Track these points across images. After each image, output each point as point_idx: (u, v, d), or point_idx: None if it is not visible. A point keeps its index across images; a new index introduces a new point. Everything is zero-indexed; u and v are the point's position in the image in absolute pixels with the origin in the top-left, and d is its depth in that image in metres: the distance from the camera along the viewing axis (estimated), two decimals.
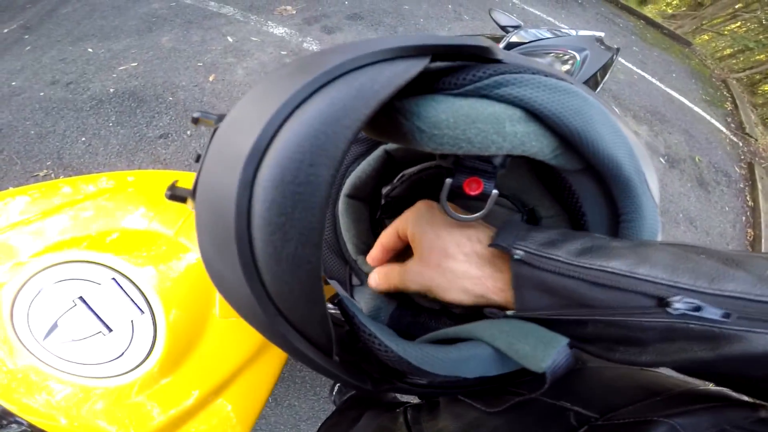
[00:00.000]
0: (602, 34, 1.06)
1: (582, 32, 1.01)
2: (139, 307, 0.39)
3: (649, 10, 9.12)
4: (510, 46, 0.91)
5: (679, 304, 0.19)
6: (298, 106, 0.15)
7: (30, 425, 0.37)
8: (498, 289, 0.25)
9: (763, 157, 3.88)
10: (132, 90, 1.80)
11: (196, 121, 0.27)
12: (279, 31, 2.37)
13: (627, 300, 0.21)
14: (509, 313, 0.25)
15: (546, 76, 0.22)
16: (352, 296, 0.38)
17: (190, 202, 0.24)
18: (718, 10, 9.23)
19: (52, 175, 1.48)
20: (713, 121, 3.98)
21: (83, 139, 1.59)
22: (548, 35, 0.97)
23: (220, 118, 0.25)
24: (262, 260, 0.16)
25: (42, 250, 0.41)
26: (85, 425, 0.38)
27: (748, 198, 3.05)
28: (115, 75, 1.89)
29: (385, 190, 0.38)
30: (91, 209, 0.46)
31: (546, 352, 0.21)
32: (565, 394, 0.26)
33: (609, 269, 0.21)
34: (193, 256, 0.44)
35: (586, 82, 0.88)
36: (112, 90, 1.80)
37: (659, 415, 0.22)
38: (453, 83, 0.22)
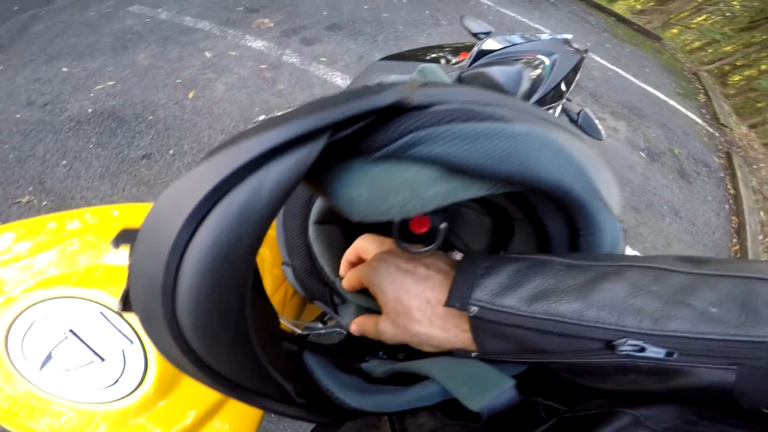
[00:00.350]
0: (570, 36, 1.10)
1: (550, 36, 1.06)
2: (127, 338, 0.41)
3: (618, 7, 9.24)
4: (482, 54, 0.94)
5: (625, 347, 0.20)
6: (184, 251, 0.15)
7: None
8: (464, 339, 0.27)
9: (739, 146, 3.95)
10: (111, 110, 1.78)
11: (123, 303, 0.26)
12: (257, 44, 2.37)
13: (576, 345, 0.22)
14: (473, 355, 0.27)
15: (465, 121, 0.20)
16: (336, 313, 0.40)
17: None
18: (684, 4, 9.49)
19: (35, 201, 1.44)
20: (688, 113, 4.08)
21: (64, 162, 1.56)
22: (519, 40, 1.00)
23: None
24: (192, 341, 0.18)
25: (32, 286, 0.43)
26: None
27: (729, 186, 3.09)
28: (92, 94, 1.86)
29: None
30: (77, 245, 0.48)
31: (482, 395, 0.24)
32: (538, 390, 0.28)
33: (558, 318, 0.22)
34: None
35: (557, 85, 0.92)
36: (90, 110, 1.77)
37: (624, 406, 0.23)
38: (366, 146, 0.19)
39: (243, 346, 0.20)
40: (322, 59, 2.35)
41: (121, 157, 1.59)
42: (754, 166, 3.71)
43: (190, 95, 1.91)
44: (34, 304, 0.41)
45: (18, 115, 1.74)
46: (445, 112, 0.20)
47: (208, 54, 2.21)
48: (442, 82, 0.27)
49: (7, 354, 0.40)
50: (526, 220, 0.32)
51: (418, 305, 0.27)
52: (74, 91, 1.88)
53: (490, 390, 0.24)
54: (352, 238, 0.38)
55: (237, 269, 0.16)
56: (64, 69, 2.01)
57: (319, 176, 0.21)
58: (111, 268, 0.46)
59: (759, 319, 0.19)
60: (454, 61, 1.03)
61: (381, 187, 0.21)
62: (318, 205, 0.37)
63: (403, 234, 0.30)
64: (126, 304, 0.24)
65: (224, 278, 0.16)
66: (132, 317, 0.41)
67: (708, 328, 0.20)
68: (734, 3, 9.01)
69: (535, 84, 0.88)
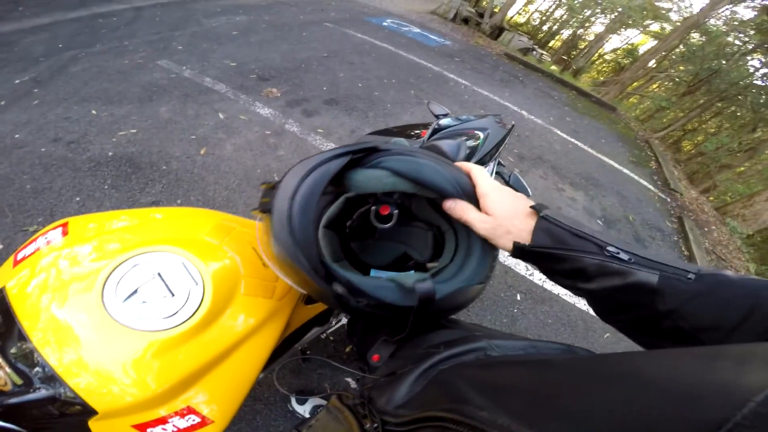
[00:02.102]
0: (500, 114, 1.38)
1: (488, 115, 1.34)
2: (195, 281, 0.55)
3: (582, 81, 9.88)
4: (437, 129, 1.20)
5: (611, 247, 0.37)
6: (302, 181, 0.45)
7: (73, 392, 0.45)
8: (525, 233, 0.42)
9: (690, 210, 4.09)
10: (129, 156, 1.93)
11: (265, 184, 0.52)
12: (265, 111, 2.62)
13: (586, 246, 0.38)
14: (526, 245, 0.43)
15: (401, 154, 0.50)
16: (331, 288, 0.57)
17: (259, 223, 0.51)
18: (634, 73, 10.30)
19: None
20: (641, 180, 4.25)
21: (78, 198, 1.67)
22: (464, 119, 1.28)
23: (278, 182, 0.49)
24: (295, 228, 0.44)
25: (136, 245, 0.57)
26: (134, 369, 0.47)
27: (683, 248, 3.23)
28: (114, 139, 2.02)
29: (348, 223, 0.65)
30: (162, 223, 0.65)
31: (414, 278, 0.47)
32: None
33: (582, 229, 0.39)
34: (231, 257, 0.61)
35: (489, 151, 1.18)
36: (110, 153, 1.92)
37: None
38: (363, 162, 0.50)
39: (313, 230, 0.46)
40: (320, 130, 2.63)
41: (132, 200, 1.72)
42: (706, 229, 3.84)
43: (202, 151, 2.09)
44: (137, 255, 0.55)
45: (43, 149, 1.86)
46: (392, 151, 0.50)
47: (221, 115, 2.44)
48: (396, 142, 0.58)
49: (102, 293, 0.51)
50: (448, 231, 0.59)
51: (516, 206, 0.45)
52: (99, 133, 2.04)
53: (420, 278, 0.47)
54: (342, 239, 0.65)
55: (314, 197, 0.44)
56: (93, 111, 2.18)
57: (343, 174, 0.50)
58: (191, 239, 0.62)
59: (675, 263, 0.35)
60: (418, 135, 1.30)
61: (367, 177, 0.50)
62: (326, 216, 0.58)
63: (376, 215, 0.58)
64: (264, 210, 0.49)
65: (310, 199, 0.44)
66: (203, 268, 0.56)
67: (647, 253, 0.36)
68: (680, 68, 9.58)
69: (472, 152, 1.12)
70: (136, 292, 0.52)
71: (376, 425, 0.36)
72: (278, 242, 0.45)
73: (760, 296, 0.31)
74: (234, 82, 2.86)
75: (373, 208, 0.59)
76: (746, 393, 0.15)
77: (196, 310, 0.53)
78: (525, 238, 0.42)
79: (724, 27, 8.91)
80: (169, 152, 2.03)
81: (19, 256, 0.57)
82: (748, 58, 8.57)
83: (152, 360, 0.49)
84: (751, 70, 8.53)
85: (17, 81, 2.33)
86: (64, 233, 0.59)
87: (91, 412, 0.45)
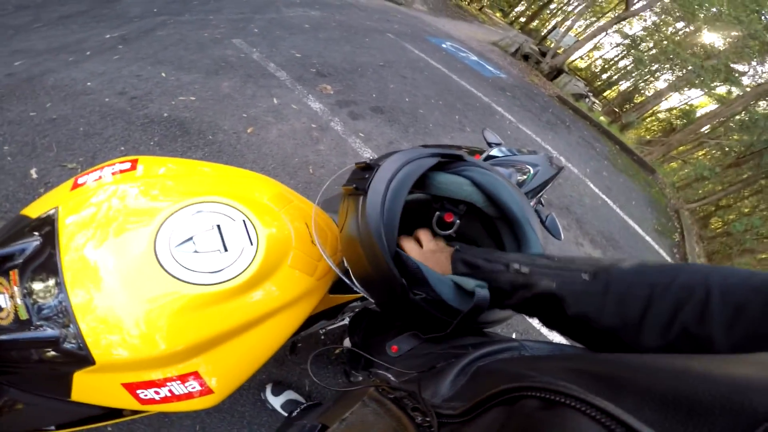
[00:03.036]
0: (555, 154, 1.37)
1: (541, 154, 1.30)
2: (251, 241, 0.53)
3: (628, 137, 9.26)
4: (489, 158, 1.18)
5: (514, 264, 0.42)
6: (400, 169, 0.50)
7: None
8: (447, 266, 0.50)
9: None
10: (182, 120, 2.01)
11: (362, 164, 0.54)
12: (316, 106, 2.67)
13: (494, 267, 0.43)
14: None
15: (483, 168, 0.55)
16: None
17: (349, 189, 0.52)
18: (686, 136, 9.51)
19: (79, 170, 1.55)
20: (661, 250, 4.08)
21: (122, 148, 1.74)
22: (516, 151, 1.26)
23: (377, 163, 0.51)
24: (387, 210, 0.47)
25: (202, 192, 0.55)
26: (169, 323, 0.44)
27: None
28: (173, 102, 2.11)
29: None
30: (229, 179, 0.63)
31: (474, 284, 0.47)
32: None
33: (490, 255, 0.46)
34: (287, 226, 0.60)
35: (534, 189, 1.15)
36: (165, 114, 2.01)
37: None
38: (447, 167, 0.55)
39: (398, 214, 0.48)
40: (361, 134, 2.65)
41: None
42: None
43: (249, 130, 2.15)
44: (204, 203, 0.53)
45: (107, 99, 1.96)
46: (475, 163, 0.57)
47: (275, 100, 2.51)
48: (474, 159, 0.61)
49: (158, 231, 0.48)
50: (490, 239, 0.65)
51: (434, 249, 0.54)
52: (161, 94, 2.13)
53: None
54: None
55: (407, 186, 0.49)
56: (163, 74, 2.29)
57: (426, 174, 0.54)
58: (256, 200, 0.61)
59: (571, 265, 0.38)
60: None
61: (449, 181, 0.55)
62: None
63: (439, 220, 0.63)
64: (357, 188, 0.50)
65: (403, 187, 0.49)
66: (261, 230, 0.55)
67: (553, 262, 0.39)
68: (734, 137, 8.78)
69: (519, 185, 1.09)
70: (191, 239, 0.49)
71: (429, 419, 0.32)
72: (369, 220, 0.46)
73: (655, 284, 0.29)
74: (295, 72, 2.94)
75: (438, 213, 0.63)
76: None
77: (244, 270, 0.50)
78: (447, 267, 0.50)
79: None
80: (219, 124, 2.10)
81: (80, 180, 0.54)
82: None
83: (176, 315, 0.45)
84: None
85: (107, 36, 2.49)
86: (132, 168, 0.56)
87: (86, 361, 0.42)
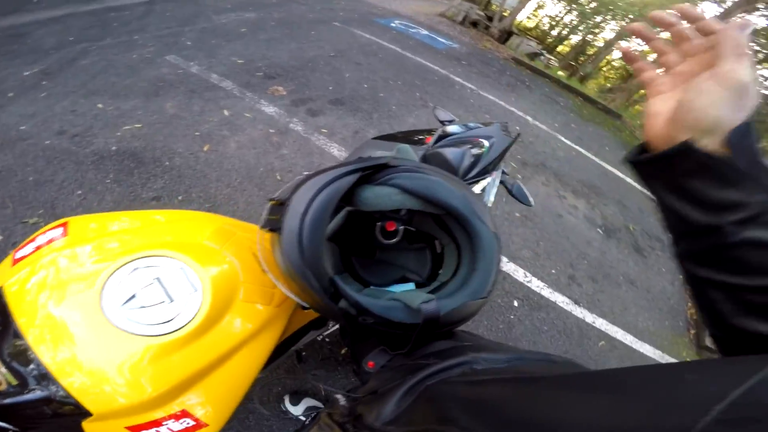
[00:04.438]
0: (507, 122, 1.33)
1: (494, 123, 1.29)
2: (194, 287, 0.53)
3: (589, 88, 9.49)
4: (443, 136, 1.15)
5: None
6: (314, 198, 0.43)
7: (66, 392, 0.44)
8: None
9: None
10: (133, 150, 1.90)
11: (275, 200, 0.49)
12: (270, 110, 2.57)
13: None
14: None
15: (412, 171, 0.50)
16: (331, 300, 0.55)
17: (262, 231, 0.50)
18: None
19: (42, 224, 1.48)
20: (643, 190, 3.85)
21: (79, 192, 1.63)
22: (470, 126, 1.23)
23: (288, 199, 0.47)
24: (305, 248, 0.43)
25: (136, 248, 0.55)
26: (128, 375, 0.46)
27: None
28: (119, 133, 1.98)
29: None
30: (162, 226, 0.63)
31: (420, 299, 0.46)
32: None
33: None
34: (231, 262, 0.59)
35: (493, 160, 1.13)
36: (114, 148, 1.88)
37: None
38: (372, 178, 0.49)
39: (320, 246, 0.45)
40: (324, 130, 2.57)
41: (133, 195, 1.68)
42: None
43: (206, 148, 2.05)
44: (139, 259, 0.54)
45: (47, 142, 1.83)
46: (401, 167, 0.50)
47: (226, 112, 2.39)
48: (403, 157, 0.57)
49: (101, 295, 0.49)
50: (449, 245, 0.59)
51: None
52: (104, 127, 2.00)
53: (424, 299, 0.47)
54: (343, 250, 0.66)
55: (326, 214, 0.44)
56: (100, 105, 2.14)
57: (352, 190, 0.49)
58: (191, 243, 0.60)
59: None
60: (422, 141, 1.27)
61: (376, 194, 0.49)
62: (329, 228, 0.60)
63: (382, 230, 0.59)
64: (272, 228, 0.47)
65: (321, 218, 0.44)
66: (202, 274, 0.54)
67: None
68: None
69: (476, 160, 1.08)
70: (134, 296, 0.51)
71: None
72: (288, 261, 0.44)
73: None
74: (240, 80, 2.80)
75: (379, 223, 0.59)
76: (710, 402, 0.17)
77: (194, 316, 0.52)
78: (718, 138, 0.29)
79: None
80: (173, 148, 1.98)
81: (18, 255, 0.56)
82: (759, 67, 8.30)
83: (148, 364, 0.48)
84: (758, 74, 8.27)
85: (26, 73, 2.29)
86: (65, 233, 0.57)
87: (85, 413, 0.45)
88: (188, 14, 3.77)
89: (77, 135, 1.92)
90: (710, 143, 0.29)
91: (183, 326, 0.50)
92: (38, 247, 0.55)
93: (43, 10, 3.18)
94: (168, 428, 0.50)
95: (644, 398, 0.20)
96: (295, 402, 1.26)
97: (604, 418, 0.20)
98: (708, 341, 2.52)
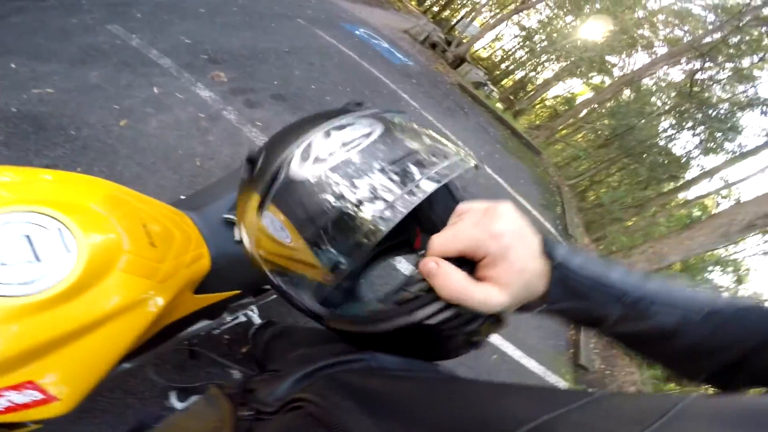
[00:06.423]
0: (453, 138, 1.42)
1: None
2: (68, 249, 0.48)
3: (520, 122, 9.95)
4: None
5: (628, 297, 0.30)
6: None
7: None
8: (540, 285, 0.31)
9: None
10: (35, 115, 1.71)
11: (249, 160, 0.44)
12: (205, 94, 2.45)
13: (605, 297, 0.31)
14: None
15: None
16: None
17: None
18: (565, 121, 10.63)
19: None
20: (546, 223, 4.44)
21: None
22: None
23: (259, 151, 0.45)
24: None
25: (10, 201, 0.49)
26: None
27: None
28: (25, 96, 1.78)
29: None
30: (48, 185, 0.56)
31: None
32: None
33: (599, 279, 0.31)
34: (116, 230, 0.54)
35: None
36: (14, 110, 1.69)
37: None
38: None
39: None
40: (258, 123, 2.52)
41: (22, 161, 1.52)
42: None
43: (122, 123, 1.91)
44: (10, 212, 0.47)
45: None
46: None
47: (156, 90, 2.24)
48: None
49: None
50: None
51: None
52: (11, 88, 1.78)
53: None
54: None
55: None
56: (13, 65, 1.89)
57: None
58: (74, 204, 0.54)
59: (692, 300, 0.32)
60: None
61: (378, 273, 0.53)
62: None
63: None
64: (251, 169, 0.44)
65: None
66: (81, 237, 0.49)
67: (665, 289, 0.32)
68: (605, 121, 9.73)
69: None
70: None
71: (251, 413, 0.36)
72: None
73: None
74: (182, 60, 2.65)
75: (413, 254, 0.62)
76: (515, 424, 0.19)
77: (61, 280, 0.46)
78: (538, 290, 0.31)
79: (654, 87, 9.21)
80: (84, 118, 1.83)
81: None
82: (663, 119, 9.16)
83: None
84: (660, 130, 9.17)
85: None
86: None
87: None
88: None
89: None
90: (537, 291, 0.31)
91: (44, 289, 0.45)
92: None
93: None
94: (9, 400, 0.43)
95: (474, 408, 0.23)
96: (183, 399, 1.14)
97: (451, 421, 0.23)
98: (583, 360, 2.84)
